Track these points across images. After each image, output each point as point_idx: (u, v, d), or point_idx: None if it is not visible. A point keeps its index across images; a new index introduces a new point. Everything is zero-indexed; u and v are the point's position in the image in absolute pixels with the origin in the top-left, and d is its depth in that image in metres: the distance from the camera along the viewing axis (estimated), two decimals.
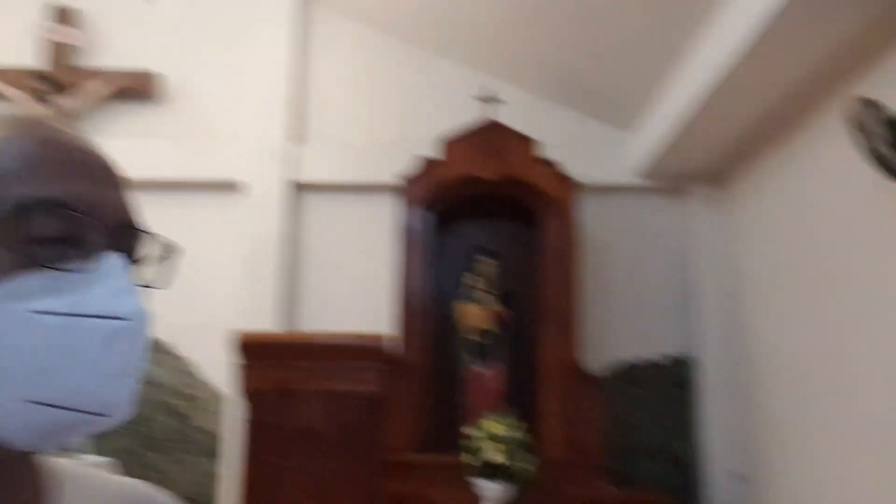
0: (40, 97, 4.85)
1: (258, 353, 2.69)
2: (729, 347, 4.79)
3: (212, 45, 5.33)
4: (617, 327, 5.08)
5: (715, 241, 4.96)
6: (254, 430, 2.64)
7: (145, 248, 0.61)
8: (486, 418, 4.23)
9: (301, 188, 5.15)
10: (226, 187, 5.07)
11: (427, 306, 4.41)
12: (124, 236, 0.58)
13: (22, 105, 4.77)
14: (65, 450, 0.59)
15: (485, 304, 4.63)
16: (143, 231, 0.60)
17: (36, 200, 0.53)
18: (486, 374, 4.55)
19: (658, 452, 4.92)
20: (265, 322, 4.76)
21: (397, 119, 5.16)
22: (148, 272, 0.60)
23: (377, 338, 2.81)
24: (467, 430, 4.18)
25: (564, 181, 4.64)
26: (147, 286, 0.59)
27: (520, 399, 4.62)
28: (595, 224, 5.16)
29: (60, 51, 5.09)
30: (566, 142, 5.11)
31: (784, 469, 4.09)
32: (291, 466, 2.62)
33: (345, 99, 5.27)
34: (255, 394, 2.65)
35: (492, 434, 4.06)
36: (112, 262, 0.55)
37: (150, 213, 0.74)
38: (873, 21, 3.06)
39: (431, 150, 4.72)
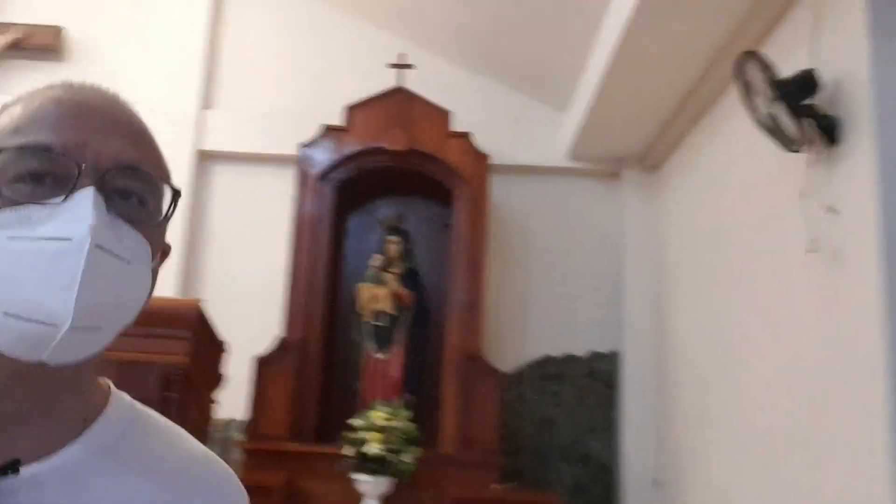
0: None
1: None
2: (651, 343, 4.44)
3: (123, 3, 5.05)
4: (542, 318, 4.75)
5: (645, 228, 4.61)
6: None
7: (144, 188, 0.67)
8: (374, 407, 3.92)
9: (206, 157, 4.85)
10: None
11: (319, 285, 4.09)
12: (113, 176, 0.64)
13: None
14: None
15: (388, 285, 4.30)
16: (136, 172, 0.67)
17: (16, 147, 0.63)
18: (383, 359, 4.23)
19: (574, 453, 4.58)
20: (164, 295, 4.47)
21: (310, 86, 4.84)
22: (134, 208, 0.66)
23: (190, 304, 2.50)
24: (353, 419, 3.88)
25: (479, 157, 4.31)
26: (138, 220, 0.65)
27: (420, 389, 4.30)
28: (520, 207, 4.83)
29: None
30: (492, 119, 4.78)
31: (693, 475, 3.74)
32: None
33: (256, 63, 4.96)
34: None
35: (374, 424, 3.74)
36: (83, 195, 0.62)
37: None
38: None
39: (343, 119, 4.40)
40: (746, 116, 2.64)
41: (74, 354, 0.62)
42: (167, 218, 0.69)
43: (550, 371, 4.69)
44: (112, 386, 0.74)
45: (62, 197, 0.62)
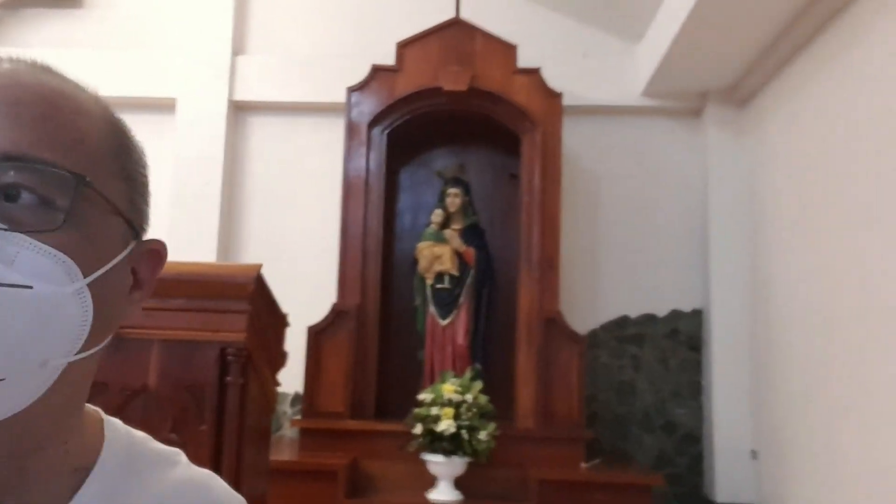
0: None
1: None
2: (743, 299, 3.99)
3: None
4: (618, 275, 4.30)
5: (733, 171, 4.12)
6: None
7: (41, 181, 0.48)
8: (444, 379, 3.53)
9: (242, 108, 4.41)
10: (159, 106, 4.34)
11: (373, 246, 3.68)
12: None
13: None
14: None
15: (450, 243, 3.88)
16: (28, 164, 0.48)
17: None
18: (447, 325, 3.83)
19: (657, 422, 4.18)
20: (203, 259, 4.09)
21: (355, 23, 4.36)
22: (29, 210, 0.48)
23: (248, 269, 2.09)
24: (420, 393, 3.50)
25: (550, 96, 3.82)
26: (29, 229, 0.47)
27: (488, 357, 3.90)
28: (590, 152, 4.35)
29: None
30: (556, 54, 4.27)
31: (803, 444, 3.32)
32: None
33: (293, 2, 4.48)
34: None
35: (444, 398, 3.36)
36: None
37: None
38: None
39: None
40: (884, 33, 2.14)
41: None
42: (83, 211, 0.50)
43: (628, 332, 4.28)
44: (102, 414, 0.61)
45: None
